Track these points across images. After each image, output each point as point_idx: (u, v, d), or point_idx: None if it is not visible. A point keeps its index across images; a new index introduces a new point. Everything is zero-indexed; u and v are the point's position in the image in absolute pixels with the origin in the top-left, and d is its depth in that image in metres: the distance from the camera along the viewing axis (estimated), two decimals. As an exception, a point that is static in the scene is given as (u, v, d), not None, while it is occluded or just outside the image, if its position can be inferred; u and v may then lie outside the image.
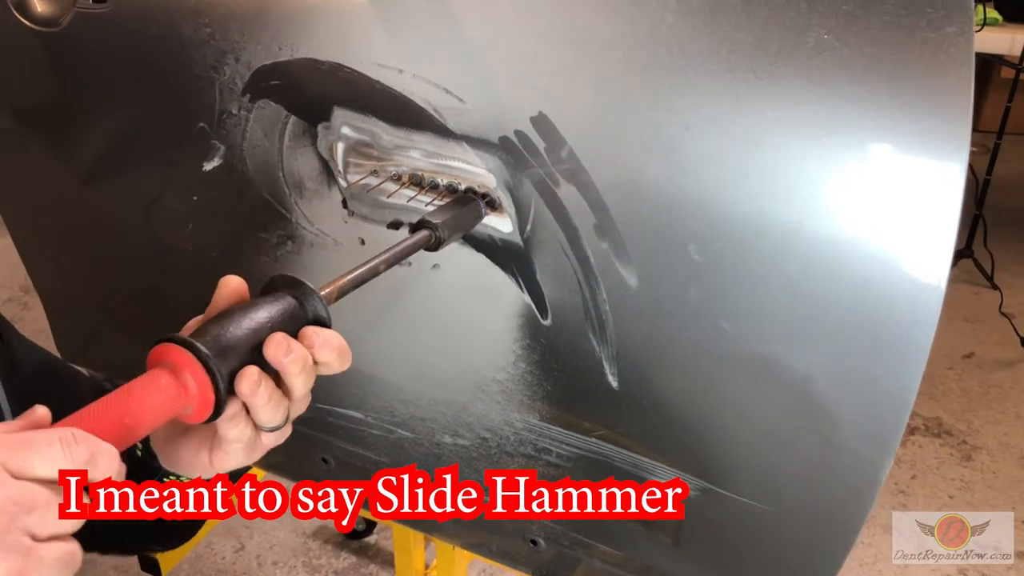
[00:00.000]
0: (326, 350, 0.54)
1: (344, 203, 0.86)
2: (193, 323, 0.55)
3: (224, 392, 0.50)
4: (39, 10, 0.96)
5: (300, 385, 0.54)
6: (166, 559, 1.31)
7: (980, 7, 2.68)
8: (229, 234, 0.97)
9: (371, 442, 1.06)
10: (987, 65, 4.51)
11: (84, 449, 0.40)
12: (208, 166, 0.92)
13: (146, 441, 0.61)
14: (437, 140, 0.78)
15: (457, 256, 0.83)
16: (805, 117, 0.64)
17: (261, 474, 1.57)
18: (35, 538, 0.38)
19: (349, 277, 0.62)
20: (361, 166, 0.83)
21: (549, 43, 0.72)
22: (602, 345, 0.79)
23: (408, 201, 0.81)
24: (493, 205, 0.78)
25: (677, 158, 0.68)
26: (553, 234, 0.76)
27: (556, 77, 0.72)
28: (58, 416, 0.45)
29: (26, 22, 0.96)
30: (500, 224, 0.78)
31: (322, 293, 0.57)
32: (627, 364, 0.79)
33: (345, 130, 0.82)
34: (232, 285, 0.56)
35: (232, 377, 0.50)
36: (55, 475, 0.39)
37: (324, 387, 1.06)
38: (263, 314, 0.53)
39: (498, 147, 0.75)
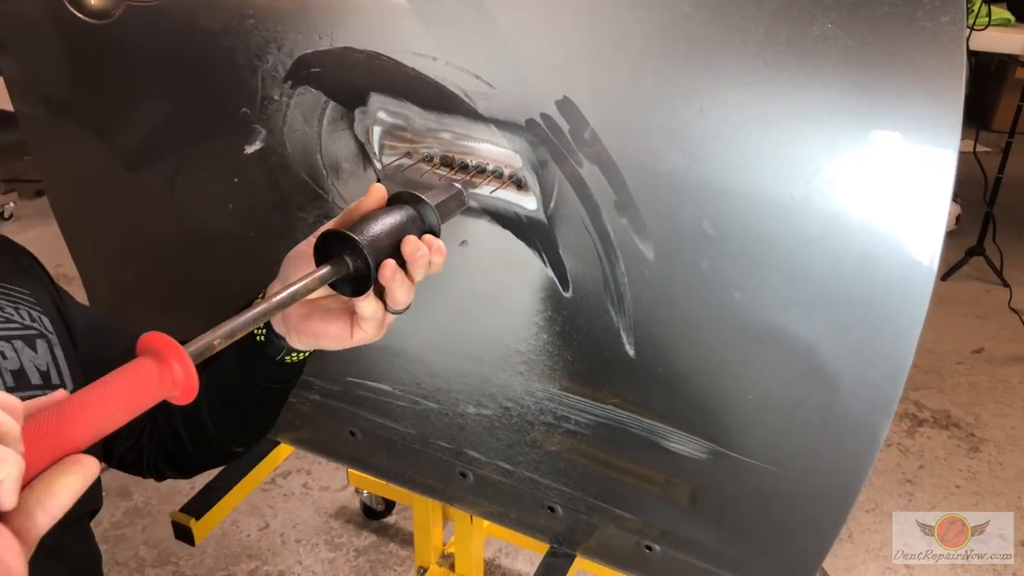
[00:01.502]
0: (438, 254, 0.68)
1: (379, 183, 0.92)
2: (337, 220, 0.69)
3: (375, 274, 0.64)
4: (92, 3, 1.02)
5: (419, 275, 0.68)
6: (199, 527, 1.37)
7: (988, 7, 2.71)
8: (268, 214, 1.03)
9: (398, 414, 1.12)
10: (1003, 66, 4.54)
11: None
12: (249, 149, 0.98)
13: (268, 324, 0.73)
14: (467, 123, 0.83)
15: (484, 232, 0.88)
16: (810, 102, 0.70)
17: (288, 450, 1.63)
18: None
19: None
20: (395, 148, 0.89)
21: (574, 31, 0.77)
22: (620, 316, 0.84)
23: (439, 180, 0.86)
24: (519, 184, 0.83)
25: (692, 139, 0.74)
26: (575, 211, 0.81)
27: (580, 63, 0.77)
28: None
29: (79, 15, 1.03)
30: (525, 202, 0.84)
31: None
32: (644, 334, 0.84)
33: (381, 114, 0.88)
34: (379, 194, 0.70)
35: (377, 265, 0.64)
36: None
37: (354, 361, 1.12)
38: (399, 218, 0.68)
39: (524, 129, 0.81)
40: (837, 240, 0.72)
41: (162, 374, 0.49)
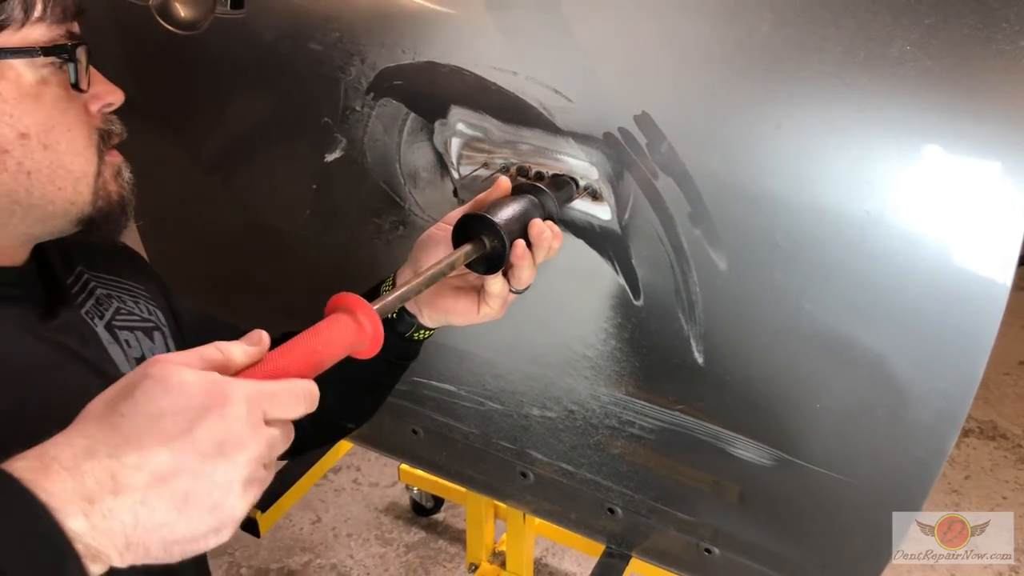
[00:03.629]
0: (558, 239, 0.77)
1: (455, 192, 0.95)
2: (469, 207, 0.78)
3: (509, 252, 0.73)
4: (181, 15, 1.06)
5: (541, 257, 0.76)
6: (264, 519, 1.42)
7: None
8: (345, 219, 1.07)
9: (461, 414, 1.15)
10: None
11: (307, 399, 0.51)
12: (330, 157, 1.02)
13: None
14: (545, 136, 0.86)
15: (558, 241, 0.91)
16: (887, 120, 0.71)
17: (347, 446, 1.67)
18: (265, 466, 0.49)
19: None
20: (472, 159, 0.92)
21: (653, 48, 0.80)
22: (691, 324, 0.86)
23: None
24: (594, 195, 0.86)
25: (768, 154, 0.76)
26: (649, 222, 0.84)
27: (659, 79, 0.80)
28: None
29: (169, 27, 1.07)
30: (600, 212, 0.87)
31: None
32: (713, 342, 0.86)
33: (460, 126, 0.91)
34: (505, 185, 0.79)
35: (511, 244, 0.73)
36: (286, 418, 0.50)
37: (421, 361, 1.16)
38: (525, 205, 0.77)
39: (602, 142, 0.83)
40: (910, 255, 0.73)
41: (358, 327, 0.56)
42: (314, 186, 1.06)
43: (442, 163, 0.95)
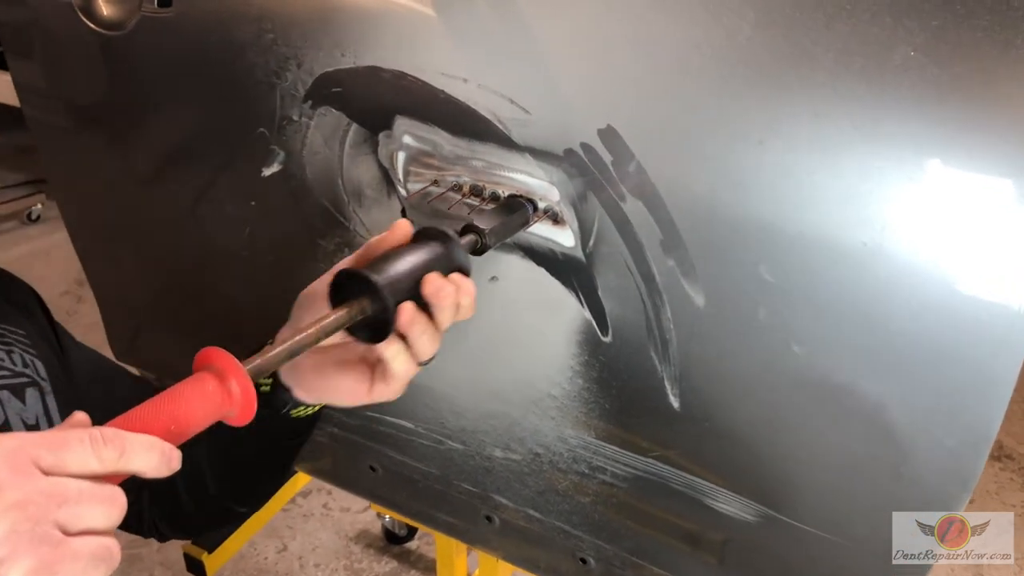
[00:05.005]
0: (467, 295, 0.62)
1: (403, 212, 0.85)
2: (354, 257, 0.64)
3: (394, 318, 0.58)
4: (105, 13, 0.96)
5: (446, 320, 0.61)
6: (211, 560, 1.31)
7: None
8: (286, 239, 0.97)
9: (420, 452, 1.05)
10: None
11: (113, 447, 0.41)
12: (267, 172, 0.92)
13: (275, 374, 0.66)
14: (500, 151, 0.76)
15: (517, 269, 0.81)
16: (888, 137, 0.62)
17: (306, 479, 1.57)
18: (67, 532, 0.38)
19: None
20: (421, 175, 0.82)
21: (619, 53, 0.70)
22: (664, 364, 0.76)
23: (468, 213, 0.79)
24: (555, 218, 0.76)
25: (750, 174, 0.66)
26: (617, 249, 0.74)
27: (626, 88, 0.70)
28: (108, 416, 0.45)
29: (91, 25, 0.97)
30: (562, 238, 0.77)
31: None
32: (690, 385, 0.76)
33: (406, 139, 0.81)
34: (404, 229, 0.64)
35: (397, 307, 0.58)
36: (86, 471, 0.40)
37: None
38: (423, 256, 0.62)
39: (563, 159, 0.73)
40: (915, 290, 0.64)
41: (223, 391, 0.47)
42: (253, 203, 0.96)
43: (388, 179, 0.85)
